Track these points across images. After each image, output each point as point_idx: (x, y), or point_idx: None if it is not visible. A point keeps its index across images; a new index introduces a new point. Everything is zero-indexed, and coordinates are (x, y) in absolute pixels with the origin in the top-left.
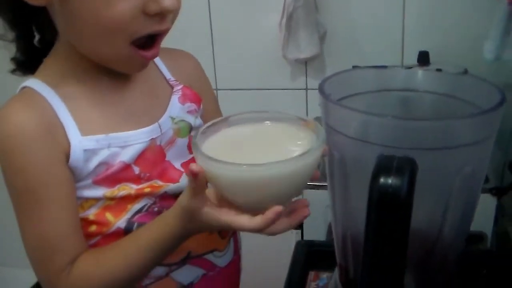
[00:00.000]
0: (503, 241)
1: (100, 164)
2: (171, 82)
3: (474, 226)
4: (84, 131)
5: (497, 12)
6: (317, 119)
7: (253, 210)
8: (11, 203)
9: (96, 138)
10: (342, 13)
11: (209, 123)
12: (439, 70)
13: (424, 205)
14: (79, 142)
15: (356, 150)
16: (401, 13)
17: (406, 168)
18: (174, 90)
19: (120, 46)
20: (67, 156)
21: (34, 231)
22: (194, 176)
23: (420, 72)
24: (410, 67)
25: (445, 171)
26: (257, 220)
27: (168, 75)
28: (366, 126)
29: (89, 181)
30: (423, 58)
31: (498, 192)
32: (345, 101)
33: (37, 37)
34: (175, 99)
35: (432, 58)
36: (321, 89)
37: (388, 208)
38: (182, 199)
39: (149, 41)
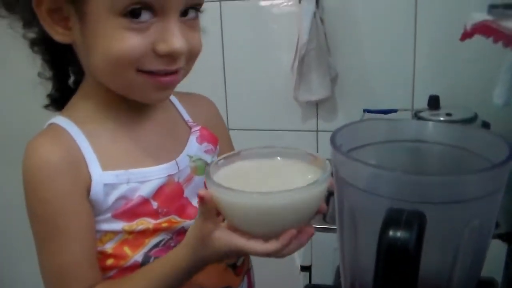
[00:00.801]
0: None
1: (119, 198)
2: (189, 123)
3: (484, 272)
4: (105, 167)
5: (507, 57)
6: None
7: (261, 237)
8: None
9: (116, 173)
10: (354, 56)
11: (222, 156)
12: (449, 114)
13: (433, 256)
14: (100, 176)
15: (366, 202)
16: (412, 57)
17: (415, 221)
18: (192, 131)
19: (130, 76)
20: (88, 190)
21: (52, 259)
22: (202, 201)
23: (430, 124)
24: (420, 111)
25: (454, 224)
26: (272, 245)
27: (186, 116)
28: (376, 179)
29: (109, 215)
30: (434, 102)
31: (508, 238)
32: (356, 151)
33: (72, 78)
34: (193, 139)
35: (442, 102)
36: (332, 140)
37: (397, 261)
38: (193, 226)
39: (164, 73)
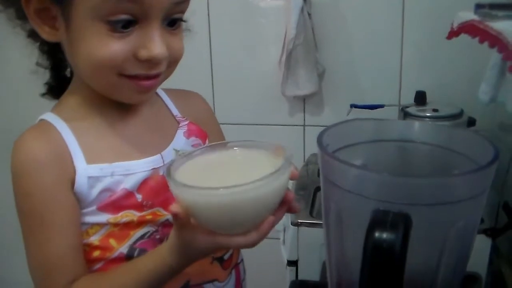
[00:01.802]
0: (498, 282)
1: (104, 191)
2: (177, 118)
3: (469, 267)
4: (90, 160)
5: (493, 54)
6: (314, 155)
7: (226, 233)
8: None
9: (100, 166)
10: (341, 51)
11: (183, 153)
12: (435, 110)
13: (418, 256)
14: (84, 169)
15: (352, 203)
16: (399, 53)
17: (401, 223)
18: (180, 125)
19: (112, 79)
20: (73, 182)
21: (38, 251)
22: (175, 217)
23: (417, 124)
24: (407, 107)
25: (439, 226)
26: (253, 237)
27: (175, 111)
28: (362, 180)
29: (94, 207)
30: (420, 98)
31: (493, 233)
32: (343, 151)
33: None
34: (180, 133)
35: (428, 98)
36: (319, 141)
37: (382, 262)
38: (172, 236)
39: (141, 78)
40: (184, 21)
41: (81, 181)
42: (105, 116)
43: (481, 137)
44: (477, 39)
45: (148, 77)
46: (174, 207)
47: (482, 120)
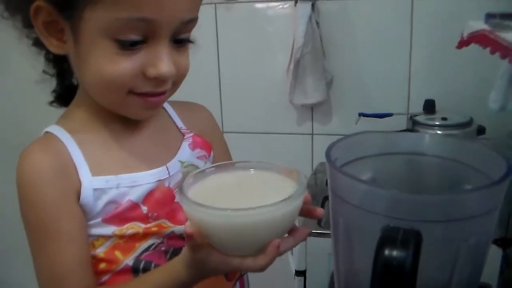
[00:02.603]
0: None
1: (109, 203)
2: (182, 130)
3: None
4: (95, 172)
5: (502, 62)
6: (322, 164)
7: (235, 254)
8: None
9: (105, 178)
10: (349, 60)
11: (196, 171)
12: (444, 118)
13: (429, 272)
14: (90, 181)
15: (361, 219)
16: (408, 61)
17: (411, 240)
18: (185, 137)
19: (120, 96)
20: (78, 194)
21: (45, 262)
22: (190, 237)
23: (427, 136)
24: (415, 115)
25: (451, 242)
26: (262, 260)
27: (180, 123)
28: (371, 196)
29: (99, 219)
30: (429, 107)
31: (503, 243)
32: (352, 164)
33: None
34: (185, 145)
35: (437, 106)
36: (327, 155)
37: (393, 280)
38: (184, 256)
39: (150, 95)
40: (192, 42)
41: (86, 193)
42: (110, 128)
43: (493, 150)
44: (487, 48)
45: (154, 94)
46: (189, 227)
47: (491, 129)
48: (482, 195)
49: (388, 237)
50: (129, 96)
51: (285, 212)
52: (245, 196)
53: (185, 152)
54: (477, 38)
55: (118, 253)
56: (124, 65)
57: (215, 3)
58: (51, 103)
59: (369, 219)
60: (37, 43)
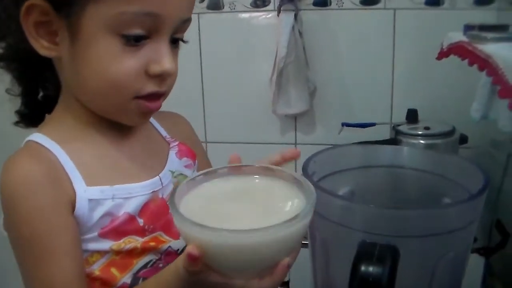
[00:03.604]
0: None
1: (105, 215)
2: (167, 139)
3: (462, 286)
4: (89, 182)
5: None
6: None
7: (237, 277)
8: None
9: (100, 188)
10: (333, 70)
11: (189, 178)
12: (427, 128)
13: (407, 285)
14: (84, 191)
15: (338, 234)
16: (391, 71)
17: (388, 256)
18: (170, 146)
19: (125, 100)
20: (73, 205)
21: (38, 278)
22: (193, 261)
23: (406, 149)
24: (398, 125)
25: (429, 257)
26: (267, 282)
27: (164, 133)
28: (348, 211)
29: (95, 233)
30: (412, 116)
31: (486, 252)
32: (331, 177)
33: (41, 93)
34: (172, 154)
35: (420, 115)
36: (304, 169)
37: None
38: (180, 272)
39: (151, 98)
40: (186, 41)
41: (81, 203)
42: (99, 137)
43: (472, 163)
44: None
45: (158, 95)
46: (194, 250)
47: (474, 137)
48: (460, 209)
49: (364, 253)
50: (133, 101)
51: (293, 231)
52: (247, 208)
53: (174, 161)
54: (455, 49)
55: (114, 270)
56: (128, 64)
57: (198, 13)
58: (16, 123)
59: (346, 234)
60: (2, 59)
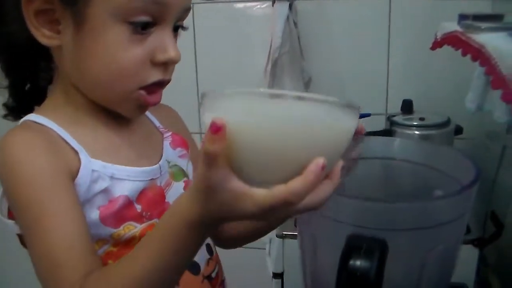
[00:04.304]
0: None
1: (104, 192)
2: (160, 129)
3: (456, 278)
4: (92, 156)
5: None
6: None
7: (259, 180)
8: None
9: (103, 164)
10: (327, 60)
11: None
12: (422, 119)
13: (395, 281)
14: (89, 162)
15: (326, 228)
16: (386, 61)
17: (376, 249)
18: (164, 136)
19: (129, 90)
20: (74, 174)
21: (42, 244)
22: (217, 131)
23: (398, 141)
24: (393, 115)
25: (418, 250)
26: (297, 183)
27: (157, 123)
28: (337, 204)
29: (97, 215)
30: (407, 107)
31: (480, 243)
32: None
33: (28, 85)
34: (167, 144)
35: (415, 106)
36: None
37: None
38: (195, 179)
39: (154, 88)
40: (186, 28)
41: (84, 172)
42: (99, 124)
43: (464, 155)
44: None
45: (161, 84)
46: (216, 119)
47: (469, 128)
48: (450, 202)
49: (352, 247)
50: (135, 92)
51: (343, 126)
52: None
53: (169, 152)
54: (449, 39)
55: (111, 263)
56: (135, 52)
57: (193, 3)
58: (5, 116)
59: (335, 228)
60: None
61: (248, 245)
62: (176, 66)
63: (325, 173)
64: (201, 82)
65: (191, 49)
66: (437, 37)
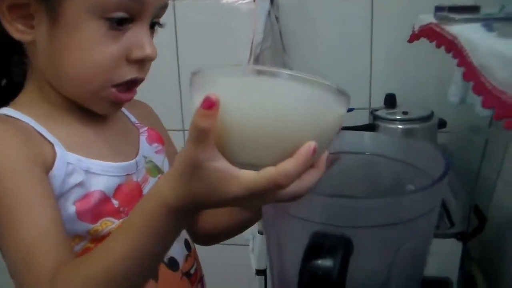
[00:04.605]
0: (469, 285)
1: (79, 186)
2: (136, 125)
3: (440, 272)
4: (68, 149)
5: None
6: None
7: (244, 160)
8: None
9: (78, 157)
10: (310, 55)
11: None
12: (405, 113)
13: (363, 279)
14: (65, 154)
15: (292, 227)
16: (369, 55)
17: (339, 248)
18: (140, 132)
19: (102, 87)
20: (49, 166)
21: (15, 235)
22: (210, 106)
23: (368, 135)
24: (376, 110)
25: (386, 248)
26: (288, 166)
27: (133, 118)
28: (303, 201)
29: (73, 209)
30: (390, 101)
31: (463, 237)
32: None
33: (4, 80)
34: (143, 139)
35: (399, 100)
36: None
37: None
38: (180, 154)
39: (128, 86)
40: (161, 26)
41: (60, 165)
42: (73, 119)
43: (436, 148)
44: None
45: (135, 82)
46: (211, 94)
47: (453, 122)
48: (418, 197)
49: (315, 245)
50: (108, 89)
51: (335, 112)
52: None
53: (145, 147)
54: (425, 31)
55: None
56: (111, 49)
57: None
58: None
59: (300, 226)
60: None
61: (232, 241)
62: (158, 63)
63: (313, 159)
64: (184, 78)
65: (172, 45)
66: (415, 30)
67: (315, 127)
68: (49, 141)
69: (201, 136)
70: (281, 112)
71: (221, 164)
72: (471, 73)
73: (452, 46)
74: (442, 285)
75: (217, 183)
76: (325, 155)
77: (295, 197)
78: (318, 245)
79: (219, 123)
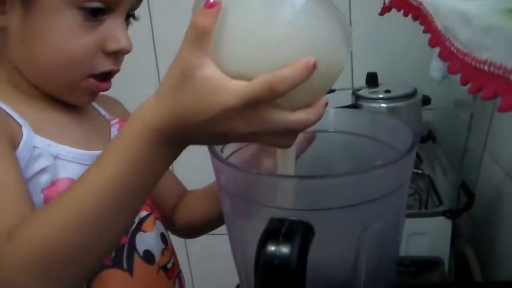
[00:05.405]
0: (461, 263)
1: (45, 172)
2: (106, 117)
3: (430, 252)
4: (37, 132)
5: None
6: None
7: (237, 70)
8: None
9: (47, 142)
10: None
11: None
12: (387, 91)
13: (330, 266)
14: (32, 137)
15: (246, 212)
16: None
17: (297, 234)
18: (111, 124)
19: (80, 78)
20: (15, 145)
21: None
22: (211, 6)
23: (331, 111)
24: (358, 89)
25: (352, 230)
26: (284, 70)
27: (103, 112)
28: (257, 185)
29: (41, 199)
30: (372, 80)
31: (452, 214)
32: (247, 148)
33: None
34: (114, 131)
35: (381, 79)
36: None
37: (276, 280)
38: (174, 62)
39: (104, 76)
40: (136, 18)
41: (25, 148)
42: (46, 105)
43: (403, 122)
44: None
45: (110, 74)
46: None
47: (437, 98)
48: (384, 173)
49: (270, 232)
50: (85, 80)
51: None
52: None
53: None
54: (395, 2)
55: None
56: (87, 39)
57: None
58: None
59: (254, 211)
60: None
61: (219, 231)
62: (135, 59)
63: (310, 75)
64: (163, 74)
65: (149, 42)
66: (386, 2)
67: (319, 49)
68: (17, 122)
69: (199, 35)
70: (289, 22)
71: (212, 71)
72: (437, 38)
73: (418, 12)
74: (433, 265)
75: (207, 93)
76: (324, 99)
77: (288, 128)
78: (274, 231)
79: (217, 29)
